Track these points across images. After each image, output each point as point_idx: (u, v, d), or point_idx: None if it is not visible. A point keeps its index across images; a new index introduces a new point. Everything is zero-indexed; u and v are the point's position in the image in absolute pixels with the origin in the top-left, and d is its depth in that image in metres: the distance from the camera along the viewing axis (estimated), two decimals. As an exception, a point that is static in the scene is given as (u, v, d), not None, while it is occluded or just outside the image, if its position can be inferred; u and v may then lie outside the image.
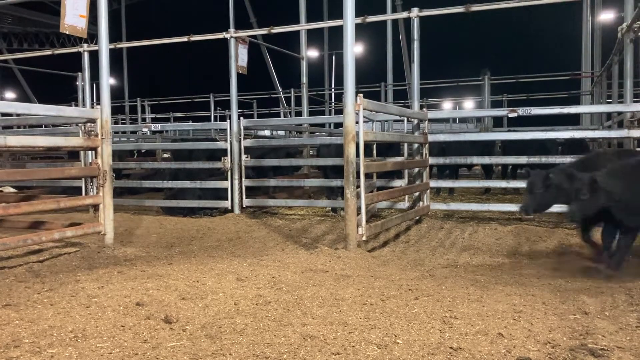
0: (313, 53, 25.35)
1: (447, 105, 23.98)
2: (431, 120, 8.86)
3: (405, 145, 8.71)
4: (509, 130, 12.55)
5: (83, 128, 6.90)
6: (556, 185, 5.59)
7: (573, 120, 17.65)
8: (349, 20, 6.25)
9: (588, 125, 16.38)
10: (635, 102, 9.95)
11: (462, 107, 23.63)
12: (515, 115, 8.03)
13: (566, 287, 4.81)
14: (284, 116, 22.98)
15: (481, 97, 17.49)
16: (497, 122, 17.59)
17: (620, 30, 8.75)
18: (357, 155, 6.28)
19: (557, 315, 3.94)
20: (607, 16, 19.32)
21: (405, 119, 8.75)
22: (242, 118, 9.87)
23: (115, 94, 24.24)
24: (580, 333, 3.56)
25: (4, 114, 12.50)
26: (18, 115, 10.39)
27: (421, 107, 9.62)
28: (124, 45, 14.13)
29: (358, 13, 6.69)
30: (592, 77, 19.25)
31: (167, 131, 18.77)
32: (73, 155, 12.57)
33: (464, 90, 22.83)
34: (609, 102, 13.62)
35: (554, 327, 3.68)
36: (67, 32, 6.54)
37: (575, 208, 5.33)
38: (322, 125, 17.61)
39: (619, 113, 10.36)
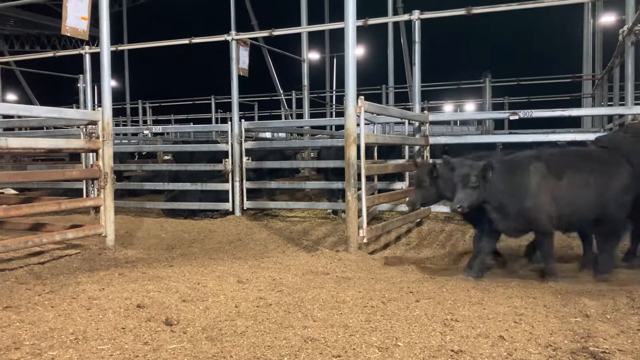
0: (314, 55, 25.36)
1: (448, 107, 23.96)
2: (432, 123, 8.86)
3: (407, 147, 8.71)
4: (510, 133, 12.55)
5: (84, 130, 6.91)
6: (443, 177, 5.46)
7: (574, 123, 17.60)
8: (350, 22, 6.26)
9: (589, 128, 16.35)
10: (636, 104, 9.92)
11: (463, 110, 23.61)
12: (516, 117, 8.03)
13: (567, 290, 4.80)
14: (285, 118, 22.98)
15: (482, 99, 17.49)
16: (499, 125, 17.59)
17: (622, 33, 8.74)
18: (358, 157, 6.28)
19: (559, 318, 3.94)
20: (608, 19, 19.29)
21: (407, 121, 8.75)
22: (243, 120, 9.88)
23: (117, 95, 24.27)
24: (581, 336, 3.56)
25: (5, 116, 12.52)
26: (19, 117, 10.40)
27: (422, 109, 9.61)
28: (126, 47, 14.15)
29: (359, 16, 6.69)
30: (593, 80, 19.23)
31: (168, 133, 18.79)
32: (74, 157, 12.57)
33: (465, 92, 22.83)
34: (610, 105, 13.60)
35: (555, 330, 3.67)
36: (68, 34, 6.55)
37: (462, 196, 5.13)
38: (324, 127, 17.60)
39: (620, 115, 10.36)
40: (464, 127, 22.19)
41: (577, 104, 20.02)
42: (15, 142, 6.17)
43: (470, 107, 23.87)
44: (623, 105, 9.71)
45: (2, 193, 10.41)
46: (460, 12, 8.52)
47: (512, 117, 8.14)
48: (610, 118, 13.15)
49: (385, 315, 4.00)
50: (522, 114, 8.03)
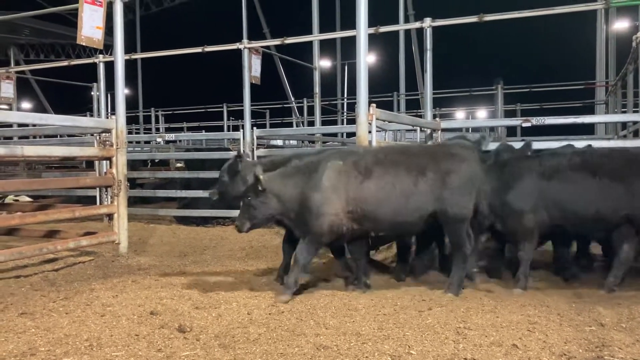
0: (325, 63, 25.41)
1: (459, 114, 23.89)
2: (444, 130, 8.83)
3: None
4: (523, 140, 12.47)
5: (98, 138, 6.99)
6: (242, 179, 5.07)
7: (587, 130, 17.45)
8: (362, 30, 6.27)
9: (603, 135, 16.22)
10: (650, 111, 9.86)
11: (475, 117, 23.53)
12: (529, 124, 7.98)
13: (582, 299, 4.76)
14: (297, 126, 23.03)
15: (494, 106, 17.41)
16: (511, 132, 17.49)
17: (635, 39, 8.69)
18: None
19: (573, 326, 3.90)
20: (621, 25, 19.19)
21: (418, 128, 8.73)
22: (255, 128, 9.91)
23: (130, 103, 24.40)
24: (596, 345, 3.52)
25: (20, 124, 12.67)
26: (34, 125, 10.52)
27: (434, 116, 9.59)
28: (139, 56, 14.28)
29: (371, 23, 6.70)
30: (606, 87, 19.09)
31: (180, 141, 18.89)
32: (90, 164, 12.68)
33: (476, 99, 22.73)
34: (624, 112, 13.50)
35: (569, 338, 3.64)
36: (84, 44, 6.63)
37: (241, 215, 4.78)
38: (335, 135, 17.62)
39: (635, 122, 10.27)
40: (476, 134, 22.10)
41: (591, 110, 19.86)
42: (31, 150, 6.26)
43: (482, 114, 23.78)
44: (637, 112, 9.64)
45: (17, 200, 10.52)
46: (472, 19, 8.50)
47: (524, 124, 8.08)
48: (624, 125, 13.04)
49: (398, 323, 3.99)
50: (535, 121, 7.98)
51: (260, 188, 4.72)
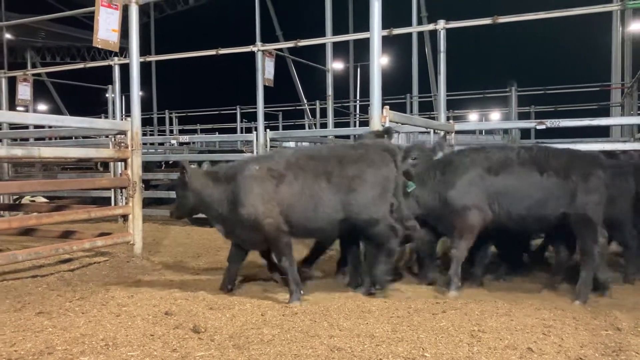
0: (338, 65, 25.42)
1: (473, 116, 23.76)
2: (457, 132, 8.80)
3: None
4: (537, 142, 12.38)
5: (113, 140, 7.05)
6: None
7: (603, 132, 17.28)
8: (376, 33, 6.28)
9: (618, 137, 16.06)
10: (667, 113, 9.74)
11: (489, 119, 23.38)
12: (543, 127, 7.93)
13: (598, 302, 4.72)
14: (309, 128, 23.05)
15: (508, 108, 17.30)
16: (524, 134, 17.37)
17: (652, 41, 8.61)
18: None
19: (589, 330, 3.87)
20: (638, 26, 18.99)
21: (432, 130, 8.71)
22: (268, 130, 9.95)
23: (144, 105, 24.53)
24: (613, 349, 3.49)
25: (36, 126, 12.82)
26: (50, 127, 10.65)
27: (447, 118, 9.56)
28: (154, 58, 14.39)
29: (384, 25, 6.71)
30: (622, 89, 18.89)
31: (194, 143, 18.99)
32: (104, 166, 12.79)
33: (490, 101, 22.61)
34: (640, 114, 13.36)
35: (585, 342, 3.61)
36: (99, 46, 6.70)
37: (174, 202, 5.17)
38: (348, 137, 17.62)
39: (651, 125, 10.16)
40: (489, 136, 21.96)
41: (606, 113, 19.67)
42: (48, 152, 6.34)
43: (495, 116, 23.63)
44: (653, 114, 9.53)
45: (33, 201, 10.65)
46: (486, 21, 8.47)
47: (539, 127, 8.03)
48: (640, 127, 12.91)
49: (412, 325, 3.98)
50: (550, 123, 7.93)
51: (185, 180, 5.00)
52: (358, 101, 26.18)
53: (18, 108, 12.90)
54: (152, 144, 16.66)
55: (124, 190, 7.04)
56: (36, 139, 12.75)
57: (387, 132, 5.47)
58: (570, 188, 4.88)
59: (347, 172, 4.77)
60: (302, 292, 4.79)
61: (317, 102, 20.38)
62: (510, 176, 5.02)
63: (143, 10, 30.14)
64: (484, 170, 5.07)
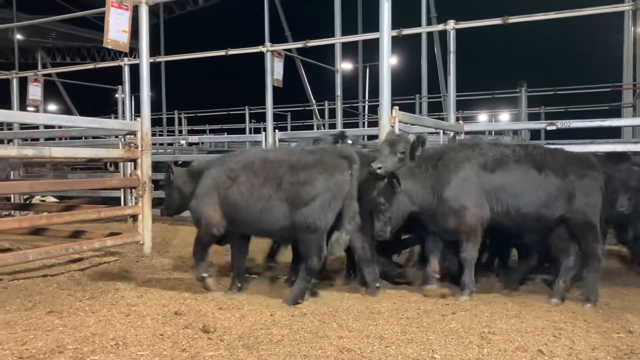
0: (347, 65, 25.39)
1: (482, 117, 23.65)
2: (467, 133, 8.75)
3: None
4: (547, 143, 12.31)
5: (123, 140, 7.07)
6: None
7: (614, 133, 17.15)
8: (385, 33, 6.26)
9: (630, 138, 15.93)
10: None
11: (498, 120, 23.27)
12: (554, 128, 7.87)
13: (609, 305, 4.68)
14: (318, 128, 23.04)
15: (518, 109, 17.21)
16: (534, 135, 17.26)
17: (664, 41, 8.53)
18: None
19: (600, 333, 3.84)
20: (649, 26, 18.83)
21: (441, 131, 8.67)
22: (276, 130, 9.96)
23: (153, 106, 24.64)
24: (624, 352, 3.46)
25: (47, 126, 12.90)
26: (60, 127, 10.72)
27: (457, 119, 9.51)
28: (163, 59, 14.45)
29: (393, 26, 6.69)
30: (634, 89, 18.73)
31: (203, 143, 19.04)
32: (113, 165, 12.85)
33: (500, 102, 22.50)
34: (652, 115, 13.25)
35: (596, 345, 3.58)
36: (110, 47, 6.73)
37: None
38: (356, 137, 17.59)
39: (663, 126, 10.06)
40: (499, 137, 21.87)
41: (617, 113, 19.52)
42: (58, 152, 6.38)
43: (505, 117, 23.52)
44: (665, 115, 9.44)
45: (44, 201, 10.71)
46: (497, 21, 8.41)
47: (549, 128, 7.98)
48: (651, 128, 12.79)
49: (421, 327, 3.97)
50: (560, 124, 7.87)
51: (170, 178, 5.31)
52: (367, 102, 26.13)
53: (29, 108, 12.97)
54: (161, 144, 16.73)
55: (133, 190, 7.07)
56: (46, 139, 12.82)
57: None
58: (568, 188, 4.79)
59: (299, 178, 4.70)
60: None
61: (326, 103, 20.38)
62: (506, 173, 4.90)
63: (152, 11, 30.25)
64: (480, 167, 4.96)
